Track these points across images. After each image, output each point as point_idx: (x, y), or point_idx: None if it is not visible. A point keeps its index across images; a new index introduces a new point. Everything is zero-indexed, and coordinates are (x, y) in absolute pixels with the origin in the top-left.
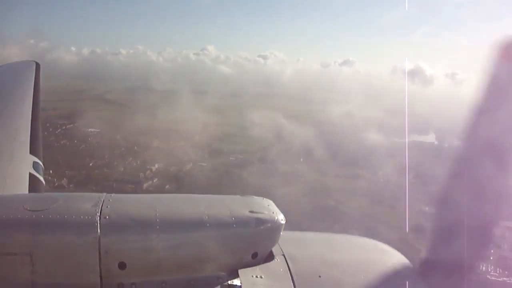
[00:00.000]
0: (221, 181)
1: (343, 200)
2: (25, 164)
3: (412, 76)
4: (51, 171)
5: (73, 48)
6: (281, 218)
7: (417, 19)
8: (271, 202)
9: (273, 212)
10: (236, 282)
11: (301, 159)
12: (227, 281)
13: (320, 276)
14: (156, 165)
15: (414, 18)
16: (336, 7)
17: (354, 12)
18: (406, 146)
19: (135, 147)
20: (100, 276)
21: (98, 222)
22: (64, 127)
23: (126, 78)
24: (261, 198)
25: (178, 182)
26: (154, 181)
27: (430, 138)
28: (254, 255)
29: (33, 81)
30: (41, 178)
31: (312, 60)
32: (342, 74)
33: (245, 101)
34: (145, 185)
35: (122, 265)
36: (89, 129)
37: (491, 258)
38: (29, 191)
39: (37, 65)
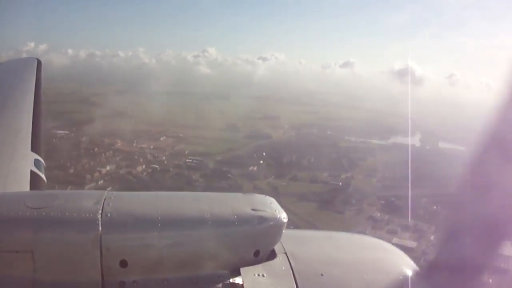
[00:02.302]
0: (166, 184)
1: (287, 204)
2: (26, 161)
3: (408, 78)
4: None
5: (70, 50)
6: (283, 216)
7: (422, 20)
8: (273, 200)
9: (275, 210)
10: (238, 280)
11: (261, 162)
12: (229, 279)
13: (322, 275)
14: (108, 167)
15: (419, 20)
16: (340, 8)
17: (359, 13)
18: (376, 147)
19: (96, 149)
20: (102, 274)
21: (100, 219)
22: None
23: (117, 81)
24: (263, 196)
25: (122, 184)
26: (99, 183)
27: (414, 140)
28: (256, 253)
29: (35, 78)
30: (42, 176)
31: (313, 62)
32: (338, 76)
33: (224, 103)
34: (86, 187)
35: (123, 263)
36: (58, 131)
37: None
38: (30, 188)
39: (39, 62)
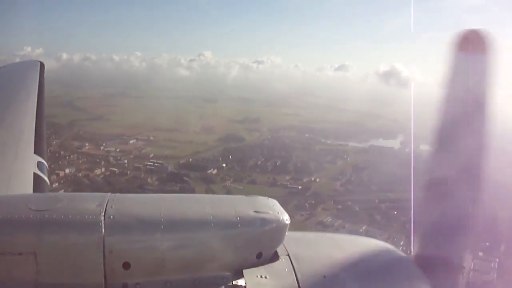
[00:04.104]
0: (119, 187)
1: None
2: (29, 164)
3: (398, 80)
4: None
5: (64, 55)
6: (286, 218)
7: (421, 24)
8: (275, 202)
9: (278, 212)
10: (241, 282)
11: (224, 165)
12: (232, 281)
13: (325, 277)
14: (67, 170)
15: (418, 23)
16: (340, 11)
17: (359, 17)
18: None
19: (62, 152)
20: (105, 276)
21: (103, 222)
22: None
23: (105, 85)
24: (266, 198)
25: (75, 187)
26: (54, 186)
27: (393, 143)
28: (259, 255)
29: (38, 81)
30: (46, 178)
31: (309, 65)
32: (331, 78)
33: (208, 106)
34: None
35: (126, 265)
36: None
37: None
38: (34, 191)
39: (42, 65)
